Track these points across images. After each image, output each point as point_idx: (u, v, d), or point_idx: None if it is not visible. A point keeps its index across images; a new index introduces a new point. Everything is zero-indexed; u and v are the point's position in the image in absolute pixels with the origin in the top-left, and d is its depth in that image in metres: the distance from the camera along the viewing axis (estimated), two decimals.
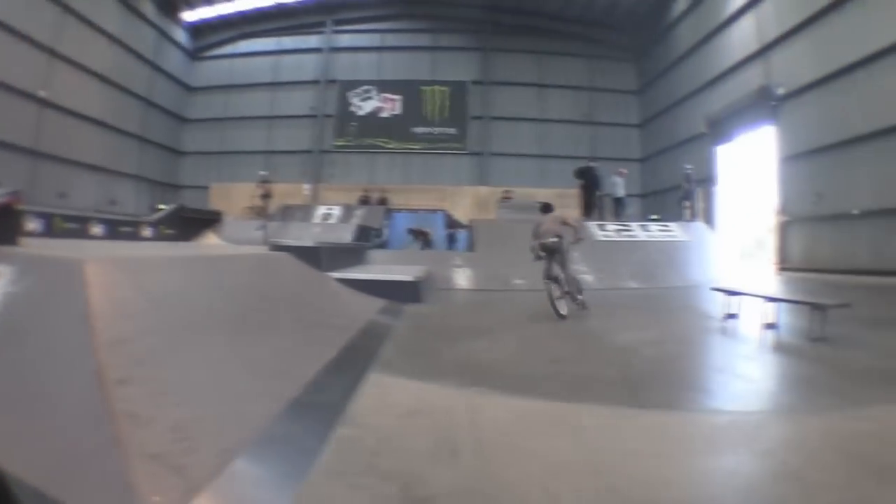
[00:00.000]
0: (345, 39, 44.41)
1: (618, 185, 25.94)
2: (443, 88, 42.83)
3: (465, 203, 37.91)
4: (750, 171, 28.73)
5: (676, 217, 26.55)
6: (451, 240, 28.87)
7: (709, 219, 28.88)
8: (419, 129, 42.70)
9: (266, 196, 29.09)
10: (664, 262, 21.47)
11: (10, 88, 26.92)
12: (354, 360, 7.21)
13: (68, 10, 30.32)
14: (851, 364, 7.55)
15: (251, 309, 7.05)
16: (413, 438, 4.70)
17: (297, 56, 44.46)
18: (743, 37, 28.73)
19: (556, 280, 12.71)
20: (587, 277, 18.60)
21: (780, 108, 25.39)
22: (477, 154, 42.49)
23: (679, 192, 27.91)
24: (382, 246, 26.79)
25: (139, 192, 38.19)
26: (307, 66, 44.20)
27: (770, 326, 10.32)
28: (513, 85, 43.00)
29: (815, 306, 9.44)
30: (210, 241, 26.24)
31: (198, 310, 5.78)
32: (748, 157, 28.84)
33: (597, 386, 6.70)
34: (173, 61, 42.28)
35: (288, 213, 29.02)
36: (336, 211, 29.25)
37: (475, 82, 43.04)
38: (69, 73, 30.83)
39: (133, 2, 36.58)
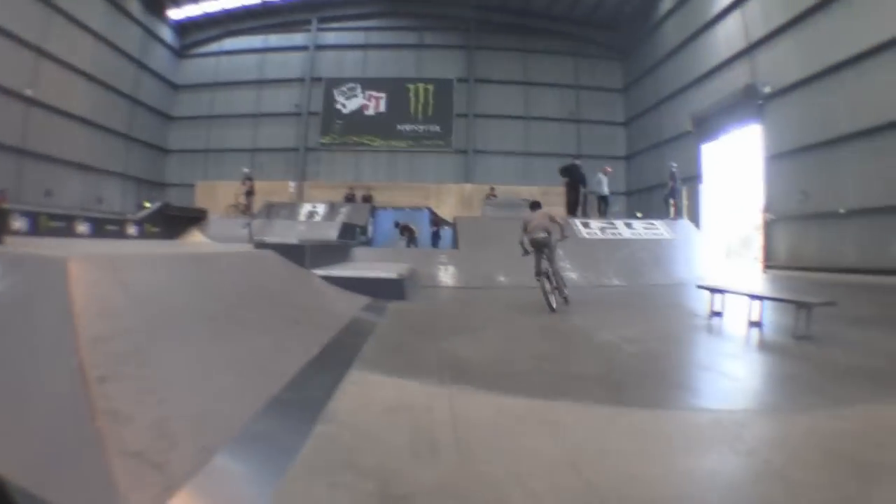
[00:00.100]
0: (330, 37, 44.30)
1: (602, 182, 26.00)
2: (428, 86, 42.75)
3: (450, 201, 38.05)
4: (735, 169, 28.74)
5: (662, 215, 26.60)
6: (436, 237, 28.93)
7: (694, 217, 28.90)
8: (404, 127, 42.60)
9: (249, 193, 29.15)
10: (649, 259, 21.57)
11: None
12: (336, 358, 7.16)
13: (55, 8, 30.11)
14: (836, 362, 7.54)
15: (234, 306, 7.00)
16: (393, 435, 4.66)
17: (282, 54, 44.32)
18: (729, 35, 28.72)
19: (546, 275, 13.38)
20: (572, 275, 18.69)
21: (765, 106, 25.42)
22: (462, 152, 42.45)
23: (664, 190, 28.00)
24: (367, 243, 26.82)
25: (125, 191, 38.02)
26: (293, 64, 44.08)
27: (755, 324, 10.31)
28: (498, 83, 42.97)
29: (800, 304, 9.44)
30: (195, 239, 26.15)
31: (181, 308, 5.76)
32: (734, 155, 28.87)
33: (579, 383, 6.66)
34: (159, 59, 42.03)
35: (273, 210, 28.92)
36: (321, 209, 29.20)
37: (460, 80, 42.97)
38: (55, 72, 30.62)
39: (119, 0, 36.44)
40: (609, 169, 27.08)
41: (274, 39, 44.52)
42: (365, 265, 17.84)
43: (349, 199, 34.08)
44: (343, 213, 28.57)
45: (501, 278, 19.28)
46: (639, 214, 29.51)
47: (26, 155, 28.64)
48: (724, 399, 6.36)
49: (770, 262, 24.81)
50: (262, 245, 13.90)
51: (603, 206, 26.25)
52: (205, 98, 44.29)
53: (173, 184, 42.93)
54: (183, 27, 44.35)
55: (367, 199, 35.05)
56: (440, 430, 4.79)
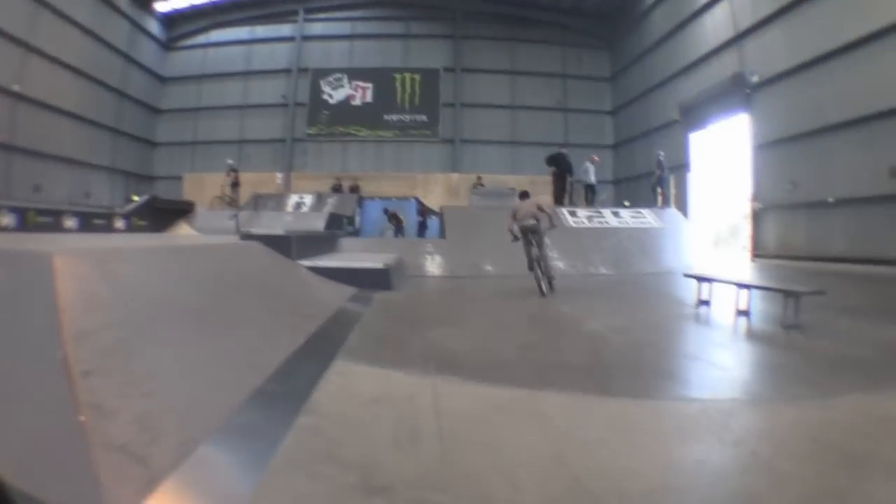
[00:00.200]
0: (317, 28, 44.04)
1: (590, 171, 26.02)
2: (414, 76, 42.55)
3: (437, 190, 38.06)
4: (724, 158, 28.68)
5: (649, 204, 26.61)
6: (423, 227, 28.95)
7: (682, 205, 28.92)
8: (391, 117, 42.42)
9: (235, 185, 29.09)
10: (636, 248, 21.58)
11: None
12: (321, 348, 7.15)
13: (42, 3, 29.86)
14: (824, 352, 7.52)
15: (219, 298, 7.00)
16: (375, 427, 4.65)
17: (269, 45, 44.03)
18: (717, 24, 28.62)
19: (538, 263, 14.08)
20: (559, 264, 18.67)
21: (753, 95, 25.35)
22: (449, 141, 42.32)
23: (651, 179, 28.07)
24: (355, 234, 26.83)
25: (114, 184, 37.76)
26: (279, 55, 43.79)
27: (743, 313, 10.28)
28: (485, 72, 42.80)
29: (788, 293, 9.39)
30: (183, 232, 26.05)
31: (166, 300, 5.75)
32: (722, 144, 28.82)
33: (565, 373, 6.64)
34: (147, 52, 41.67)
35: (260, 202, 28.84)
36: (308, 199, 29.16)
37: (447, 69, 42.80)
38: (43, 67, 30.35)
39: None
40: (596, 157, 27.15)
41: (261, 30, 44.24)
42: (352, 255, 17.83)
43: (336, 189, 34.07)
44: (330, 204, 28.49)
45: (488, 267, 19.28)
46: (626, 203, 29.50)
47: (14, 151, 28.42)
48: (711, 389, 6.33)
49: (758, 251, 24.79)
50: (248, 236, 13.88)
51: (590, 195, 26.27)
52: (192, 90, 43.99)
53: (161, 177, 42.64)
54: (170, 19, 43.94)
55: (355, 189, 35.04)
56: (423, 421, 4.77)
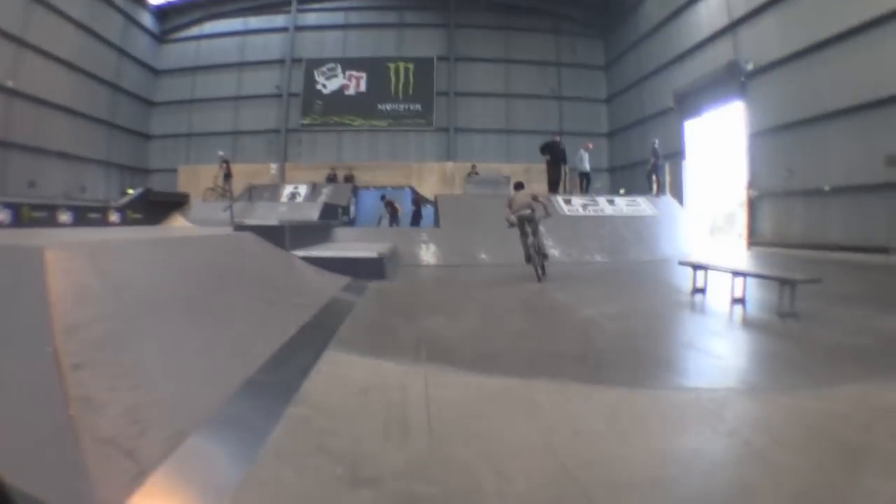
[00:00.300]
0: (310, 18, 43.74)
1: (584, 159, 25.94)
2: (408, 65, 42.31)
3: (432, 179, 37.94)
4: (719, 146, 28.60)
5: (644, 192, 26.61)
6: (417, 216, 28.93)
7: (677, 193, 28.93)
8: (385, 106, 42.21)
9: (227, 176, 29.06)
10: (631, 236, 21.55)
11: None
12: (313, 339, 7.15)
13: None
14: (820, 341, 7.48)
15: (211, 289, 6.99)
16: (365, 417, 4.65)
17: (262, 36, 43.74)
18: (711, 12, 28.47)
19: (534, 248, 14.72)
20: (554, 252, 18.63)
21: (748, 83, 25.27)
22: (443, 130, 42.14)
23: (647, 167, 27.98)
24: (350, 223, 26.85)
25: (109, 178, 37.63)
26: (273, 46, 43.52)
27: (738, 301, 10.26)
28: (479, 61, 42.57)
29: (783, 281, 9.35)
30: (177, 224, 26.06)
31: (157, 292, 5.74)
32: (717, 132, 28.74)
33: (558, 362, 6.59)
34: (140, 45, 41.40)
35: (255, 192, 28.82)
36: (303, 189, 29.13)
37: (441, 58, 42.59)
38: (36, 62, 30.15)
39: None
40: (590, 145, 27.08)
41: (254, 21, 43.93)
42: (346, 245, 17.83)
43: (331, 179, 34.15)
44: (325, 194, 28.48)
45: (483, 256, 19.27)
46: (622, 191, 29.50)
47: (8, 147, 28.29)
48: (705, 378, 6.26)
49: (755, 239, 24.74)
50: (241, 227, 13.89)
51: (585, 183, 26.25)
52: (186, 82, 43.72)
53: (156, 169, 42.47)
54: (163, 12, 43.62)
55: (349, 179, 35.10)
56: (413, 412, 4.76)
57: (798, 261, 17.45)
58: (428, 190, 33.66)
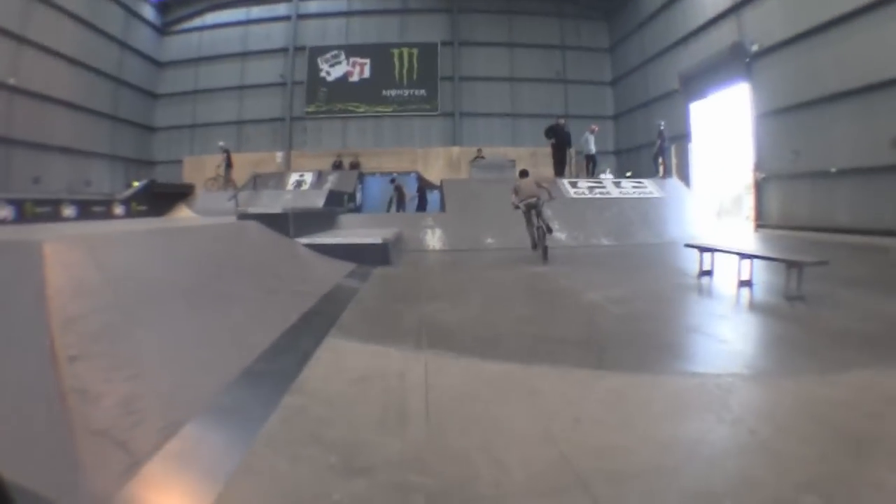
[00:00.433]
0: (312, 6, 43.54)
1: (590, 142, 25.86)
2: (412, 50, 42.18)
3: (438, 164, 37.83)
4: (725, 128, 28.44)
5: (650, 174, 26.54)
6: (422, 201, 28.85)
7: (683, 176, 28.79)
8: (389, 92, 42.13)
9: (228, 165, 29.07)
10: (638, 219, 21.43)
11: None
12: (314, 326, 7.18)
13: None
14: (828, 325, 7.38)
15: (212, 279, 7.01)
16: (362, 405, 4.65)
17: (265, 25, 43.56)
18: None
19: (538, 230, 15.52)
20: (560, 235, 18.63)
21: (753, 64, 25.06)
22: (448, 115, 42.09)
23: (653, 149, 27.95)
24: (356, 210, 26.80)
25: (114, 171, 37.68)
26: (275, 35, 43.38)
27: (745, 284, 10.20)
28: (483, 45, 42.43)
29: (791, 264, 9.24)
30: (182, 215, 26.10)
31: (156, 283, 5.80)
32: (723, 114, 28.56)
33: (560, 347, 6.52)
34: (142, 38, 41.33)
35: (260, 181, 28.87)
36: (308, 177, 29.12)
37: (445, 43, 42.44)
38: (38, 58, 30.09)
39: None
40: (595, 127, 26.88)
41: (256, 11, 43.71)
42: (351, 231, 17.78)
43: (337, 166, 34.10)
44: (331, 181, 28.45)
45: (489, 240, 19.20)
46: (629, 174, 29.38)
47: (12, 143, 28.28)
48: (710, 363, 6.14)
49: (762, 222, 24.61)
50: (244, 216, 13.86)
51: (591, 166, 26.18)
52: (189, 74, 43.68)
53: (161, 161, 42.48)
54: (164, 4, 43.53)
55: (355, 165, 35.06)
56: (411, 399, 4.74)
57: (805, 243, 17.41)
58: (434, 175, 33.57)
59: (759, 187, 24.76)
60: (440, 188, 24.53)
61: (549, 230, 15.80)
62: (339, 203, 24.76)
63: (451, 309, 8.97)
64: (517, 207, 15.96)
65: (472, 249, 18.57)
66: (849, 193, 19.77)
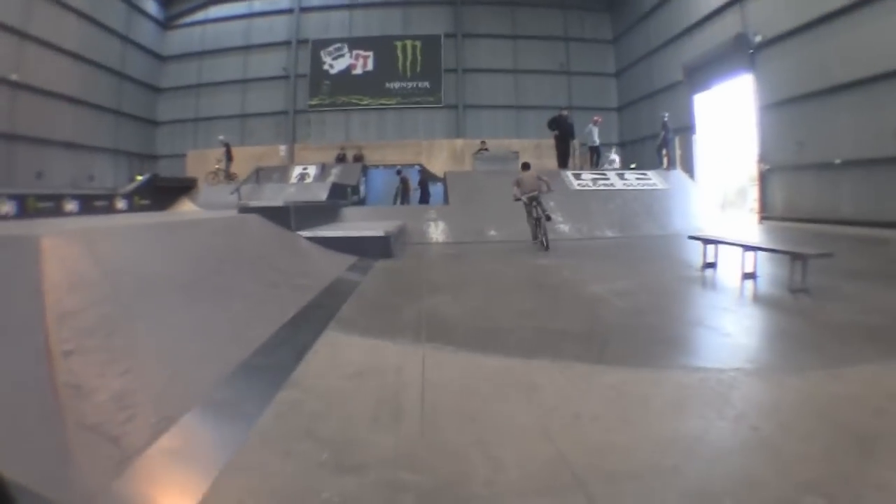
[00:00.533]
0: None
1: (593, 133, 25.86)
2: (415, 42, 42.17)
3: (441, 156, 37.91)
4: (729, 119, 28.36)
5: (655, 165, 26.47)
6: (425, 194, 28.82)
7: (688, 167, 28.74)
8: (393, 85, 42.13)
9: (229, 159, 29.13)
10: (642, 211, 21.40)
11: None
12: (312, 320, 7.17)
13: None
14: (833, 318, 7.30)
15: (210, 272, 7.02)
16: (357, 401, 4.61)
17: (267, 18, 43.57)
18: None
19: (538, 221, 16.22)
20: (564, 227, 18.72)
21: (757, 55, 24.98)
22: (452, 107, 42.11)
23: (657, 141, 27.88)
24: (360, 203, 26.85)
25: (117, 166, 37.78)
26: (278, 28, 43.42)
27: (749, 276, 10.14)
28: (486, 37, 42.42)
29: (795, 256, 9.17)
30: (185, 208, 26.18)
31: (154, 277, 5.81)
32: (727, 105, 28.48)
33: (562, 340, 6.46)
34: (145, 33, 41.43)
35: (263, 174, 28.90)
36: (312, 170, 29.16)
37: (448, 35, 42.43)
38: (41, 54, 30.18)
39: None
40: (598, 118, 26.85)
41: (258, 4, 43.75)
42: (353, 224, 17.77)
43: (340, 159, 34.21)
44: (334, 174, 28.54)
45: (492, 232, 19.19)
46: (633, 165, 29.34)
47: (15, 139, 28.33)
48: (713, 357, 6.05)
49: (766, 213, 24.55)
50: (245, 209, 13.84)
51: (595, 158, 26.17)
52: (192, 68, 43.79)
53: (165, 155, 42.63)
54: None
55: (359, 158, 35.10)
56: (408, 394, 4.70)
57: (809, 235, 17.33)
58: (438, 167, 33.67)
59: (763, 179, 24.68)
60: (443, 180, 24.50)
61: (549, 218, 16.35)
62: (343, 196, 24.80)
63: (452, 302, 8.93)
64: (518, 200, 16.66)
65: (475, 242, 18.53)
66: (853, 185, 19.70)
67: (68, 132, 32.37)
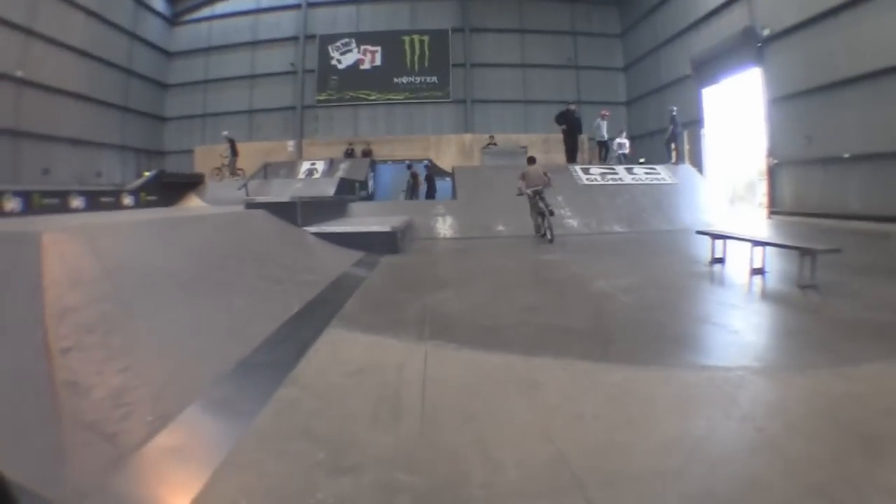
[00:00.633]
0: None
1: (602, 127, 25.93)
2: (423, 37, 42.14)
3: (450, 151, 37.95)
4: (738, 113, 28.22)
5: (663, 160, 26.45)
6: (431, 189, 28.77)
7: (696, 162, 28.68)
8: (401, 80, 42.12)
9: (234, 154, 29.16)
10: (651, 205, 21.38)
11: None
12: (316, 316, 7.15)
13: None
14: (842, 315, 7.22)
15: (214, 269, 6.99)
16: (357, 399, 4.57)
17: (275, 14, 43.56)
18: None
19: (541, 215, 16.77)
20: (572, 222, 18.75)
21: (765, 49, 24.87)
22: (460, 102, 42.08)
23: (665, 135, 27.91)
24: (369, 198, 26.85)
25: (125, 162, 37.92)
26: (286, 23, 43.38)
27: (757, 272, 10.07)
28: (494, 31, 42.39)
29: (804, 251, 9.10)
30: (192, 204, 26.20)
31: (155, 274, 5.79)
32: (735, 99, 28.35)
33: (566, 337, 6.42)
34: (152, 29, 41.45)
35: (270, 170, 28.99)
36: (320, 166, 29.22)
37: (455, 30, 42.39)
38: (47, 51, 30.18)
39: None
40: (607, 113, 26.91)
41: (266, 0, 44.17)
42: (360, 220, 17.76)
43: (348, 154, 34.28)
44: (342, 170, 28.60)
45: (500, 227, 19.17)
46: (642, 160, 29.29)
47: (21, 136, 28.36)
48: (720, 355, 6.01)
49: (775, 208, 24.41)
50: (252, 205, 13.82)
51: (604, 152, 26.16)
52: (199, 63, 43.83)
53: (172, 151, 42.77)
54: None
55: (367, 153, 35.16)
56: (408, 392, 4.66)
57: (817, 230, 17.23)
58: (446, 162, 33.63)
59: (772, 173, 24.56)
60: (451, 175, 24.47)
61: (552, 213, 16.71)
62: (351, 191, 24.82)
63: (457, 298, 8.89)
64: (521, 194, 17.14)
65: (482, 237, 18.52)
66: (861, 180, 19.59)
67: (75, 128, 32.40)
